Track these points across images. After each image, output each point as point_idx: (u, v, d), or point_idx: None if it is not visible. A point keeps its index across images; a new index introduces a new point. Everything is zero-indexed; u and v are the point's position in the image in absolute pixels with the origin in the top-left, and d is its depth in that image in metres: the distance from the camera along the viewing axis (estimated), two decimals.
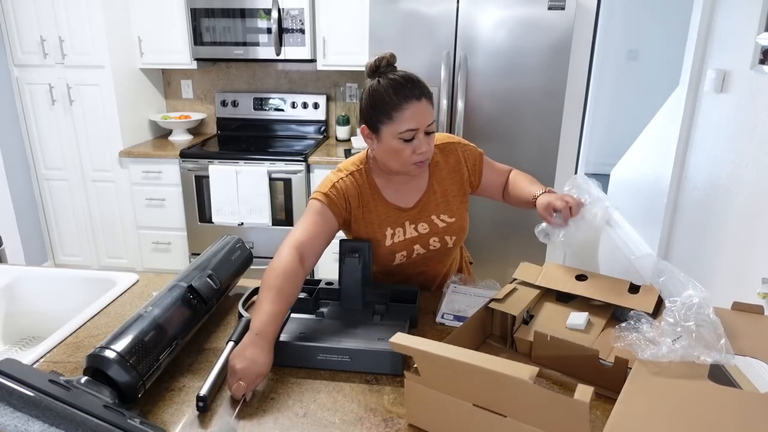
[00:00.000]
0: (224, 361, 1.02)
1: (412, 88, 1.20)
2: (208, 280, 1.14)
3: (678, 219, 3.31)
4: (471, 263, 1.65)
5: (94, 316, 1.25)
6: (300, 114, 3.47)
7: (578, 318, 1.10)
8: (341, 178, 1.31)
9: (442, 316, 1.23)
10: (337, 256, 1.29)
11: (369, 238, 1.32)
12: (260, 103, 3.49)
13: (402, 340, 0.83)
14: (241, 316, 1.19)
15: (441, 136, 1.40)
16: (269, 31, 3.04)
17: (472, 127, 2.65)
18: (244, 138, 3.45)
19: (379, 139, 1.24)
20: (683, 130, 3.24)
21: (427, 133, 1.23)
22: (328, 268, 3.16)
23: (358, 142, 3.16)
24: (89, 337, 1.16)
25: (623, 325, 0.94)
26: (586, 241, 1.27)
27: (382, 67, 1.23)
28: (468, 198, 1.42)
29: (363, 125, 1.27)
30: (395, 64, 1.26)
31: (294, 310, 1.22)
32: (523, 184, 1.40)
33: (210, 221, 3.14)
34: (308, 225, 1.24)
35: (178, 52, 3.20)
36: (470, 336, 1.08)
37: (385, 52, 1.25)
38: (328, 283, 1.28)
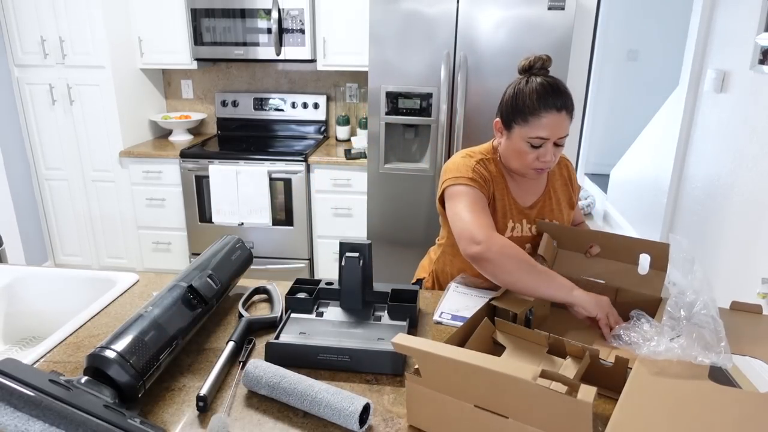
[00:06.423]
0: (224, 361, 1.02)
1: (555, 99, 1.20)
2: (208, 280, 1.14)
3: (678, 219, 3.31)
4: None
5: (94, 316, 1.24)
6: (300, 114, 3.47)
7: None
8: (477, 162, 1.31)
9: (440, 315, 1.23)
10: (336, 256, 1.29)
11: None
12: (260, 103, 3.49)
13: (404, 340, 0.83)
14: (241, 316, 1.19)
15: None
16: (269, 31, 3.04)
17: (473, 128, 2.65)
18: (244, 138, 3.45)
19: (509, 137, 1.27)
20: (683, 130, 3.24)
21: (557, 145, 1.24)
22: (328, 268, 3.15)
23: (359, 142, 3.15)
24: (89, 337, 1.16)
25: (623, 324, 0.94)
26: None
27: (535, 68, 1.26)
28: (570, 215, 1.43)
29: (498, 119, 1.31)
30: (548, 69, 1.27)
31: (294, 310, 1.22)
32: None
33: (210, 221, 3.14)
34: (478, 211, 1.22)
35: (178, 53, 3.20)
36: (471, 334, 1.07)
37: (543, 54, 1.27)
38: (328, 283, 1.28)
